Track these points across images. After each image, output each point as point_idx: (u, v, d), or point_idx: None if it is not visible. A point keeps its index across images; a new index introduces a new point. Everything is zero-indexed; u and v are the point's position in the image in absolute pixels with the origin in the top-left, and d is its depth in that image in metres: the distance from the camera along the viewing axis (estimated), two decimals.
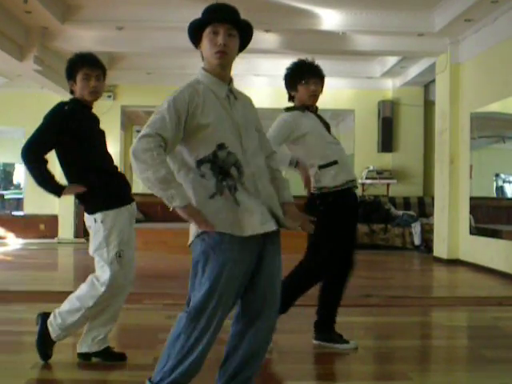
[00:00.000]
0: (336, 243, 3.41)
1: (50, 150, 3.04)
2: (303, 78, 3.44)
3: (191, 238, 2.17)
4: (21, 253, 9.19)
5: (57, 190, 3.04)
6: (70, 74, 3.11)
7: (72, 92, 3.14)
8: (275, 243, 2.23)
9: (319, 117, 3.55)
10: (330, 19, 7.58)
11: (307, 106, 3.49)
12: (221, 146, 2.12)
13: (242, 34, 2.21)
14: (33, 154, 3.00)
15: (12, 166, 15.84)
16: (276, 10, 7.38)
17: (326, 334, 3.54)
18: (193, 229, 2.15)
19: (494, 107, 7.35)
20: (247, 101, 2.33)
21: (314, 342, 3.56)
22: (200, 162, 2.13)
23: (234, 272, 2.08)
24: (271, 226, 2.14)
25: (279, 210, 2.22)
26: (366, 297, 5.18)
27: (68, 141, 3.01)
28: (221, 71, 2.19)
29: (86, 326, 3.14)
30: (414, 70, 10.12)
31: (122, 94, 11.18)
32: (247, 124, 2.22)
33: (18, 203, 12.57)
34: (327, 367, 3.38)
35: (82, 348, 3.16)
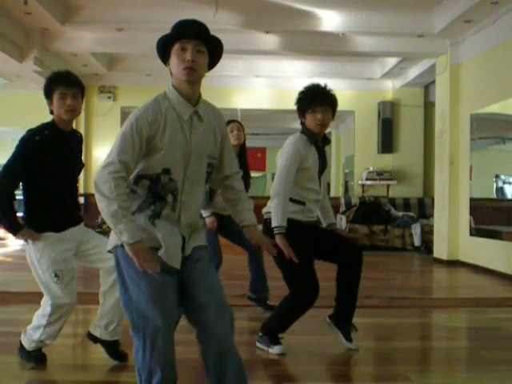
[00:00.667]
0: (295, 265, 3.20)
1: (21, 180, 3.00)
2: (310, 106, 3.28)
3: (109, 247, 2.15)
4: (21, 254, 9.16)
5: (14, 228, 2.98)
6: (47, 93, 3.04)
7: (52, 112, 3.07)
8: (200, 258, 2.19)
9: (322, 155, 3.42)
10: (330, 20, 7.59)
11: (314, 134, 3.34)
12: (166, 171, 2.09)
13: (212, 51, 2.14)
14: (3, 185, 2.97)
15: None
16: (276, 11, 7.38)
17: (341, 322, 3.53)
18: (112, 238, 2.13)
19: (494, 108, 7.35)
20: (214, 120, 2.24)
21: (327, 319, 3.56)
22: (139, 178, 2.11)
23: (159, 274, 2.02)
24: (174, 263, 2.09)
25: (193, 241, 2.18)
26: (366, 298, 5.17)
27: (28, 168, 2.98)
28: (188, 88, 2.13)
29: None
30: (413, 71, 10.13)
31: (122, 95, 11.20)
32: (200, 151, 2.16)
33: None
34: (327, 368, 3.38)
35: (95, 331, 3.20)
